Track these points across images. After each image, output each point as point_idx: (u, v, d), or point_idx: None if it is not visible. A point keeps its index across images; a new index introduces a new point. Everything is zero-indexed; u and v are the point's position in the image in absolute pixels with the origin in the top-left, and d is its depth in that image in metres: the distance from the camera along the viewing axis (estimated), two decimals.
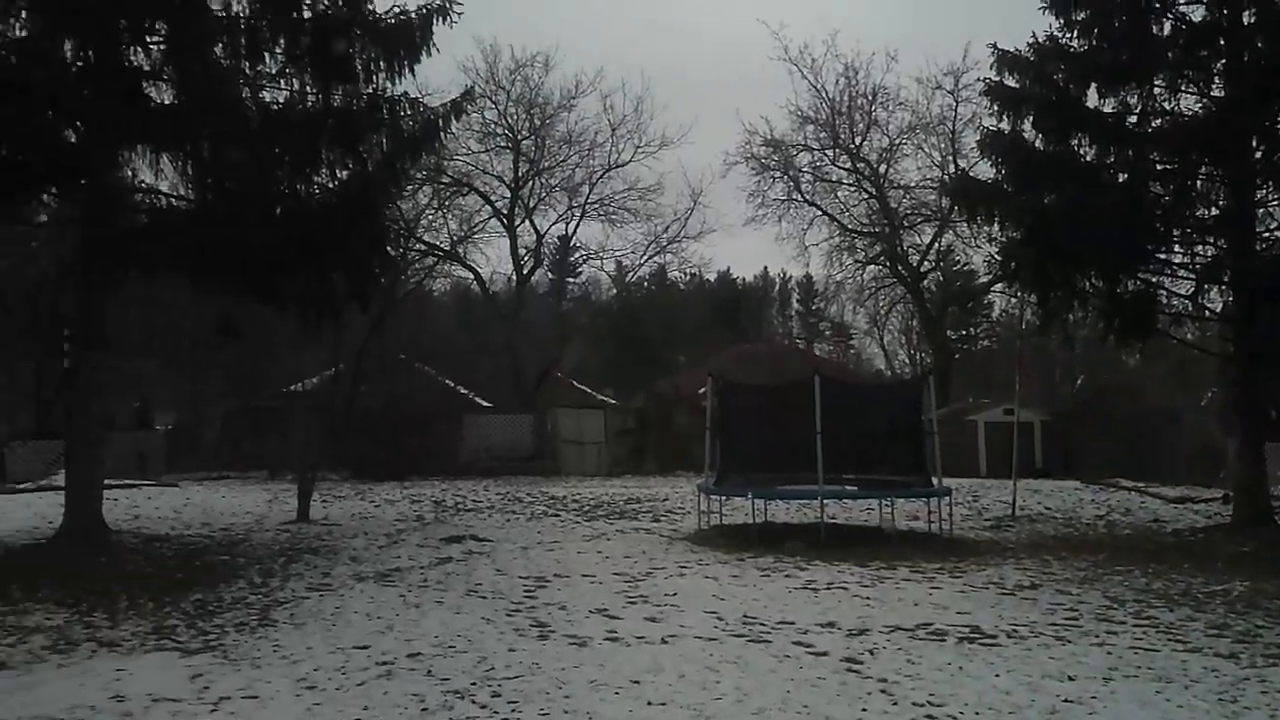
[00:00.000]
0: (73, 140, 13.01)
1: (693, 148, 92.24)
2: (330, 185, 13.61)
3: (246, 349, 26.26)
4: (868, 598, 9.50)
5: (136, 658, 7.12)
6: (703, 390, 22.68)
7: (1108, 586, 10.30)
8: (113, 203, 13.07)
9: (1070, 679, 6.61)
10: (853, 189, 38.90)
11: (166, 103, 13.06)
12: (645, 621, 8.31)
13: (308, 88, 13.33)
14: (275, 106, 13.23)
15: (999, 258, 17.71)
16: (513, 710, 5.82)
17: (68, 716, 5.70)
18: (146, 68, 12.87)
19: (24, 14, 11.70)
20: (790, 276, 77.68)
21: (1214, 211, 14.97)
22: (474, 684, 6.37)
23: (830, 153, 38.02)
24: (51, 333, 20.48)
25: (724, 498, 15.20)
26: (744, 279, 76.19)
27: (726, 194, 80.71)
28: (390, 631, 7.95)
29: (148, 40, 12.69)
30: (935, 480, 14.53)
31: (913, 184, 37.75)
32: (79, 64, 12.40)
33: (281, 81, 13.27)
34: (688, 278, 50.90)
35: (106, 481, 14.11)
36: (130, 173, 13.67)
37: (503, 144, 35.17)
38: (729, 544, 13.09)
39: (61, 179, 13.31)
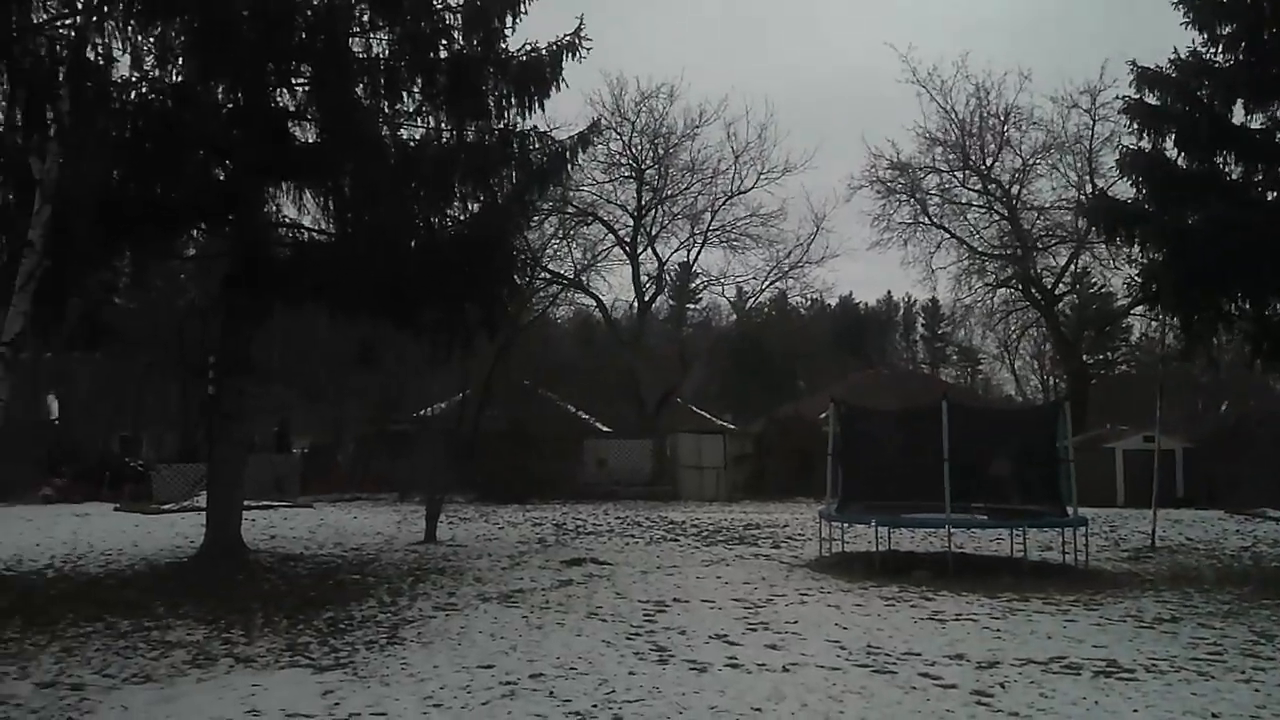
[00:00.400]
0: (221, 178, 13.78)
1: (816, 173, 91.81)
2: (462, 218, 14.01)
3: (380, 375, 27.17)
4: (998, 630, 9.17)
5: (271, 673, 7.40)
6: (824, 415, 22.37)
7: (1254, 621, 9.70)
8: (258, 237, 13.72)
9: (1214, 716, 6.25)
10: (983, 211, 37.95)
11: (310, 141, 13.73)
12: (766, 649, 8.22)
13: (442, 124, 13.77)
14: (411, 143, 13.74)
15: (1139, 280, 16.99)
16: None
17: None
18: (292, 108, 13.56)
19: (180, 59, 12.45)
20: (915, 300, 76.22)
21: None
22: (595, 706, 6.40)
23: (959, 174, 37.22)
24: (197, 360, 21.58)
25: (846, 525, 14.92)
26: (866, 304, 75.12)
27: (850, 218, 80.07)
28: (513, 652, 8.06)
29: (293, 82, 13.37)
30: (1070, 509, 13.94)
31: (1047, 205, 36.58)
32: (229, 106, 13.15)
33: (418, 119, 13.76)
34: (809, 303, 50.46)
35: (245, 502, 14.76)
36: (275, 208, 14.39)
37: (627, 174, 35.65)
38: (852, 572, 12.84)
39: (210, 215, 14.10)
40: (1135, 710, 6.38)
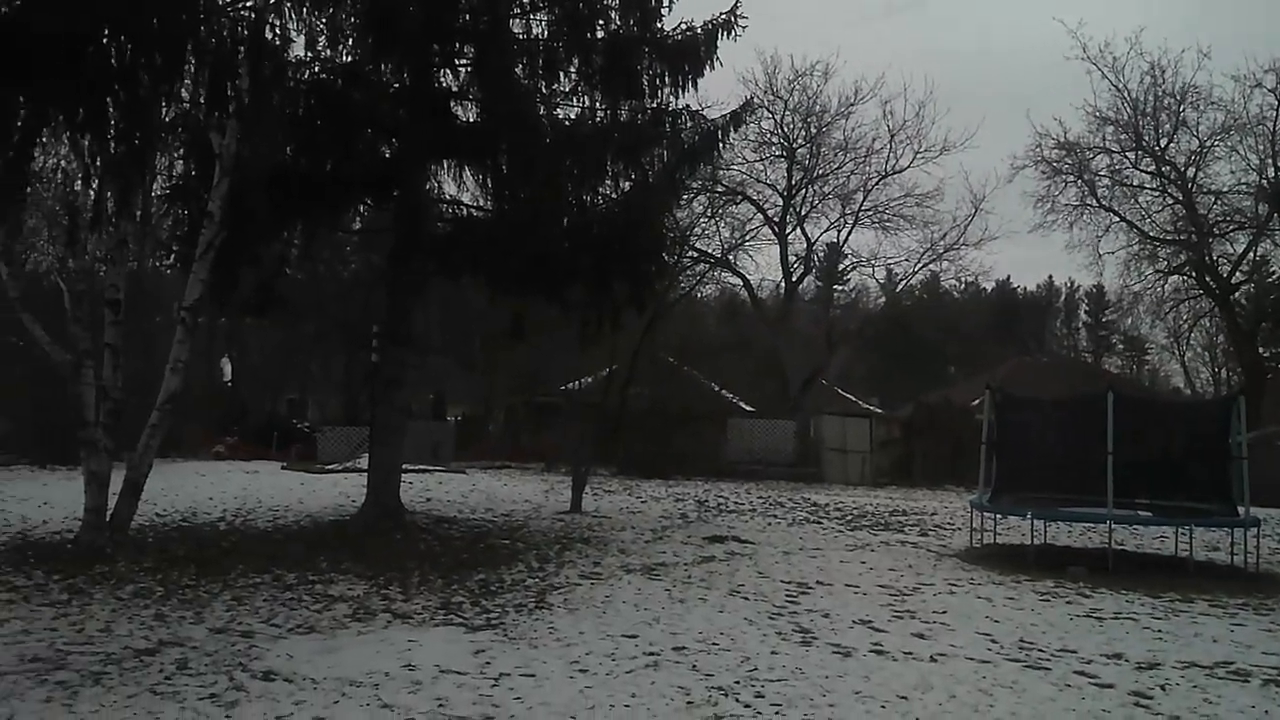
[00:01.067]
0: (387, 156, 14.34)
1: (976, 152, 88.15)
2: (613, 195, 14.20)
3: (529, 349, 27.85)
4: (1159, 630, 8.74)
5: (426, 630, 7.72)
6: (976, 402, 21.70)
7: None
8: (420, 213, 14.24)
9: None
10: (1155, 194, 35.85)
11: (470, 120, 14.13)
12: (912, 637, 8.06)
13: (597, 104, 13.98)
14: (567, 122, 14.00)
15: None
16: (776, 713, 5.82)
17: (366, 680, 6.25)
18: (454, 88, 13.99)
19: (351, 41, 13.01)
20: (1079, 286, 72.71)
21: None
22: (738, 682, 6.43)
23: (1131, 155, 35.22)
24: (361, 330, 22.55)
25: (999, 516, 14.45)
26: (1025, 288, 72.22)
27: (1011, 200, 76.91)
28: (656, 624, 8.17)
29: (456, 63, 13.79)
30: (1241, 509, 13.12)
31: (1225, 189, 34.32)
32: (395, 86, 13.66)
33: (573, 98, 13.99)
34: (963, 286, 48.99)
35: (403, 466, 15.41)
36: (436, 185, 14.90)
37: (777, 153, 35.21)
38: (1003, 564, 12.44)
39: (376, 191, 14.71)
40: None
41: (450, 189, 14.96)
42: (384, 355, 14.97)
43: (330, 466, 23.88)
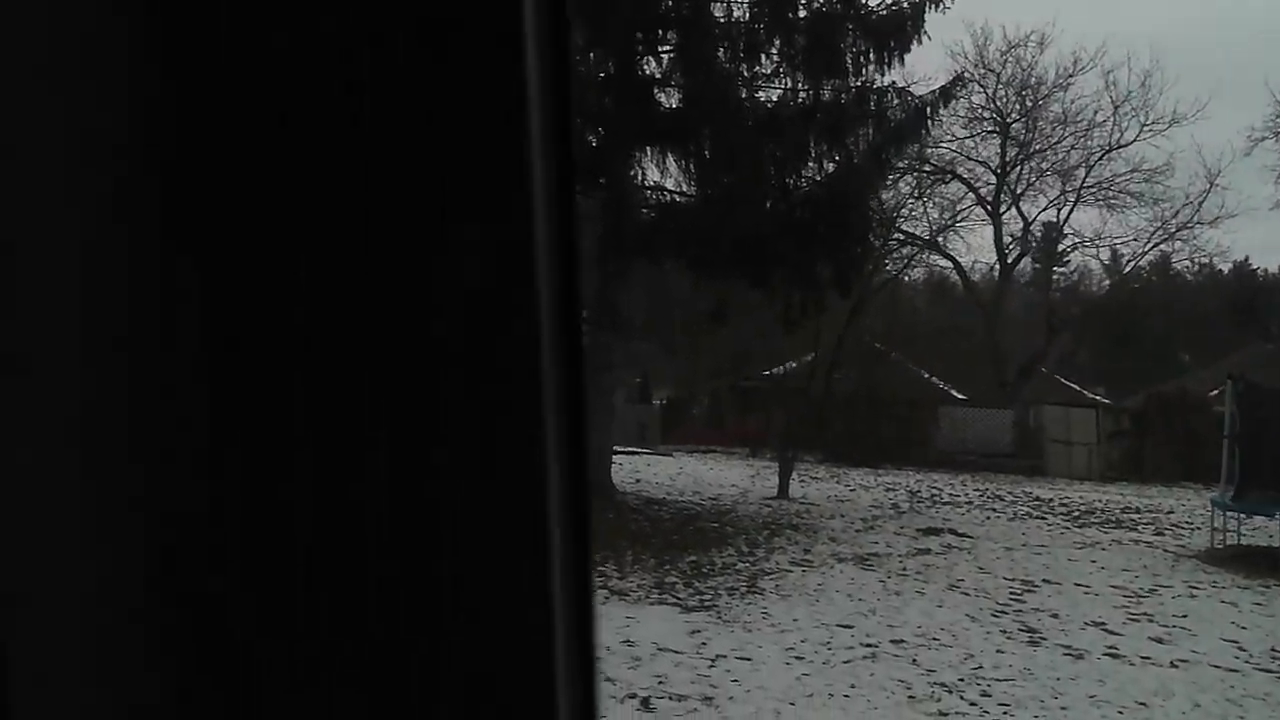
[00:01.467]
0: (594, 145, 14.68)
1: (1209, 123, 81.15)
2: (817, 177, 14.03)
3: (733, 332, 27.89)
4: None
5: (643, 608, 7.91)
6: (1215, 392, 20.07)
7: None
8: (626, 199, 14.52)
9: None
10: None
11: (673, 106, 14.28)
12: (1150, 641, 7.58)
13: (799, 84, 13.82)
14: (769, 104, 13.90)
15: None
16: (1004, 713, 5.63)
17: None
18: (657, 75, 14.15)
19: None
20: None
21: None
22: (961, 680, 6.25)
23: None
24: None
25: (1243, 515, 13.34)
26: (1267, 270, 66.05)
27: (1249, 174, 70.12)
28: (872, 615, 8.04)
29: (659, 50, 13.95)
30: None
31: None
32: (601, 74, 13.96)
33: (775, 80, 13.90)
34: (1197, 268, 45.35)
35: (613, 447, 15.80)
36: (640, 172, 15.14)
37: (989, 128, 33.75)
38: (1250, 568, 11.47)
39: (584, 180, 15.10)
40: None
41: (654, 175, 15.18)
42: (593, 340, 15.39)
43: None
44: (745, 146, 13.19)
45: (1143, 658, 7.06)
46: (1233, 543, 13.08)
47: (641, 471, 19.32)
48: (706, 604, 8.15)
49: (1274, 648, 7.51)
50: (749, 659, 6.53)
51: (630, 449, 23.34)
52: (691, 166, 14.32)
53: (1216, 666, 6.89)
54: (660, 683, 5.92)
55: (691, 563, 9.98)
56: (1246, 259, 63.16)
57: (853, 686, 6.00)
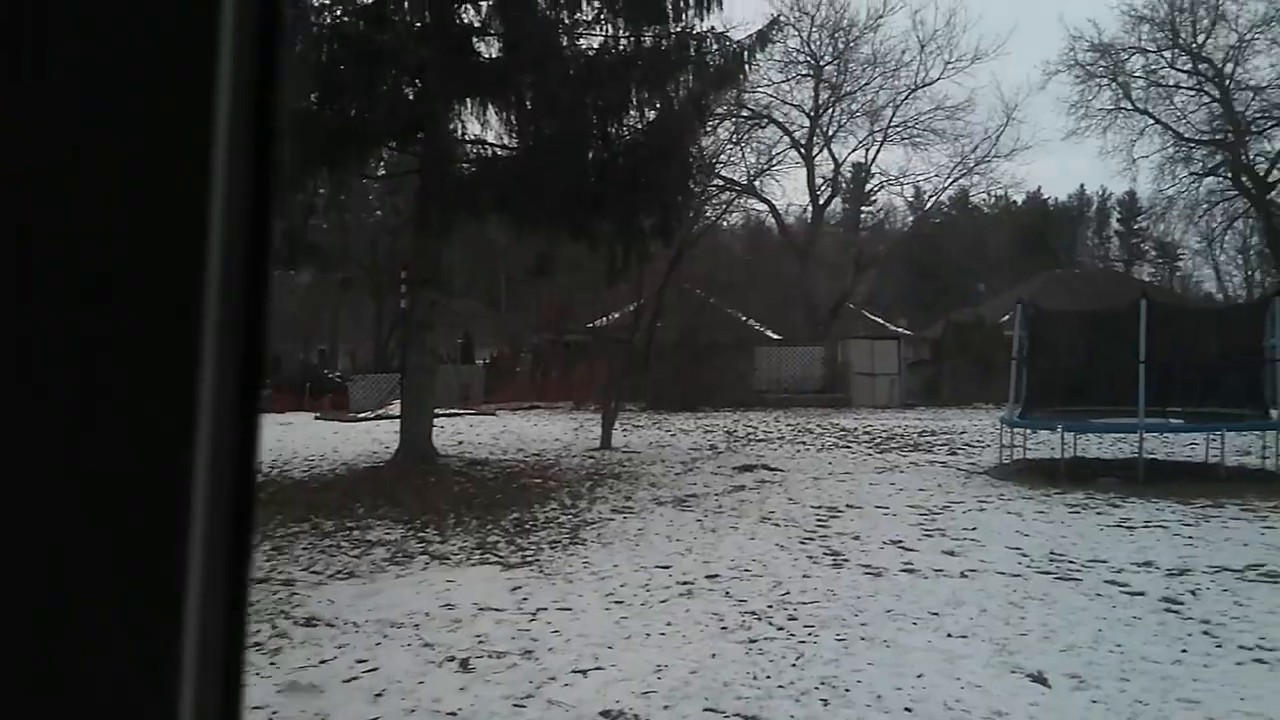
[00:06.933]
0: (411, 97, 14.20)
1: (1009, 59, 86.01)
2: (639, 125, 14.05)
3: (557, 287, 27.84)
4: (1190, 537, 8.76)
5: (464, 570, 7.87)
6: (1007, 318, 21.52)
7: None
8: (445, 154, 14.15)
9: None
10: (1192, 93, 35.10)
11: (492, 56, 13.94)
12: (943, 555, 8.14)
13: (620, 31, 13.74)
14: (590, 52, 13.79)
15: None
16: (809, 634, 5.91)
17: (407, 620, 6.40)
18: (476, 24, 13.77)
19: None
20: (1110, 194, 71.50)
21: None
22: (770, 606, 6.53)
23: (1167, 54, 34.45)
24: (390, 275, 22.63)
25: (1029, 431, 14.44)
26: (1056, 199, 71.02)
27: (1044, 107, 75.00)
28: (689, 554, 8.28)
29: None
30: (1275, 412, 13.04)
31: (1265, 84, 33.45)
32: (417, 25, 13.47)
33: (596, 27, 13.77)
34: (993, 201, 48.34)
35: (435, 410, 15.57)
36: (460, 125, 14.75)
37: (804, 72, 34.75)
38: (1033, 479, 12.47)
39: (401, 133, 14.61)
40: None
41: (474, 128, 14.86)
42: (412, 299, 15.04)
43: (363, 415, 24.15)
44: (566, 96, 13.08)
45: (935, 570, 7.56)
46: (1019, 457, 14.15)
47: (465, 433, 19.16)
48: (528, 560, 8.19)
49: (1052, 551, 8.20)
50: (569, 609, 6.61)
51: (453, 411, 23.08)
52: (512, 118, 14.06)
53: (1001, 573, 7.46)
54: (480, 642, 5.92)
55: (514, 520, 9.99)
56: (1039, 189, 67.81)
57: (669, 624, 6.17)
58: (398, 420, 15.14)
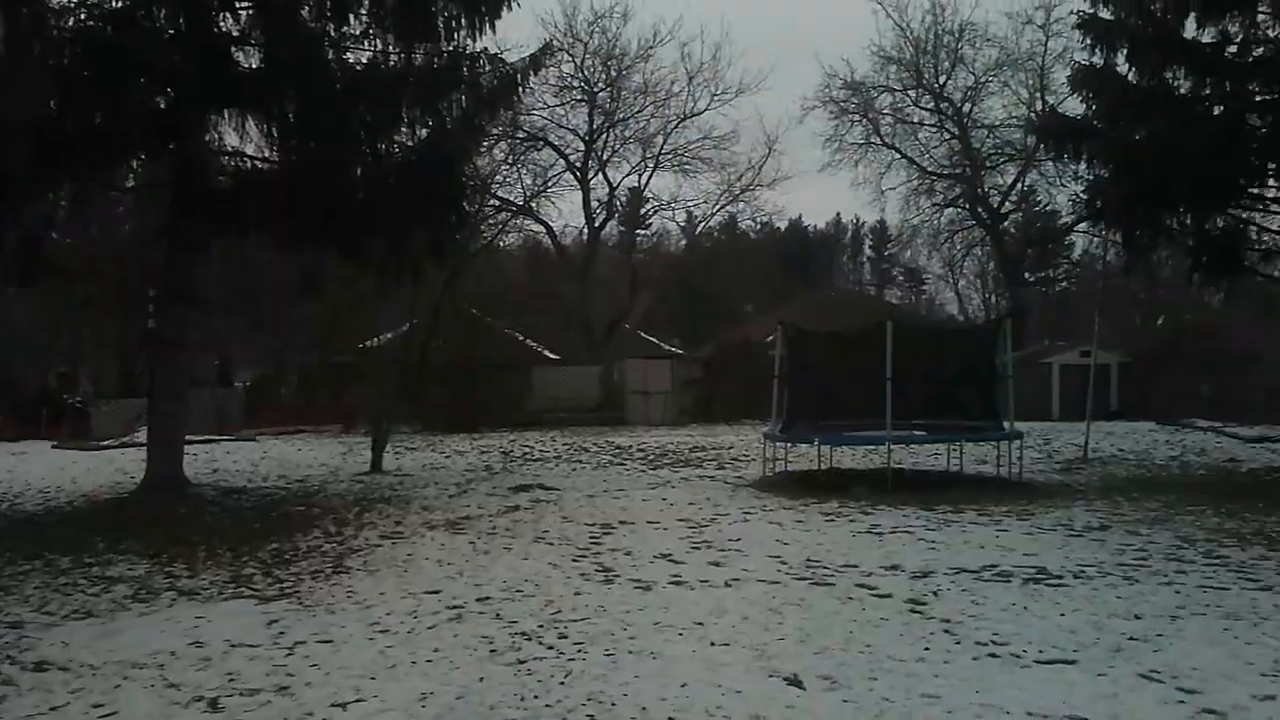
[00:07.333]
0: (162, 106, 13.31)
1: (770, 93, 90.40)
2: (410, 143, 13.81)
3: (324, 306, 26.83)
4: (933, 541, 9.44)
5: (215, 605, 7.39)
6: (771, 338, 22.54)
7: (1179, 527, 10.09)
8: (200, 166, 13.33)
9: (1136, 617, 6.52)
10: (934, 130, 38.12)
11: (253, 67, 13.28)
12: (709, 566, 8.38)
13: (390, 47, 13.45)
14: (358, 67, 13.42)
15: (1085, 196, 17.21)
16: (578, 650, 5.93)
17: (149, 661, 5.94)
18: (235, 33, 13.08)
19: None
20: (864, 222, 76.61)
21: None
22: (541, 626, 6.50)
23: (913, 93, 37.27)
24: (137, 292, 21.10)
25: (790, 445, 15.16)
26: (816, 226, 75.29)
27: (803, 140, 79.36)
28: (460, 577, 8.13)
29: (237, 5, 12.91)
30: (1006, 424, 14.31)
31: (997, 123, 36.85)
32: (170, 31, 12.66)
33: (365, 42, 13.39)
34: (759, 227, 50.64)
35: (187, 436, 14.59)
36: (217, 136, 13.96)
37: (578, 97, 35.15)
38: (794, 490, 13.09)
39: (151, 144, 13.64)
40: (1062, 614, 6.63)
41: (233, 140, 14.06)
42: (162, 317, 14.05)
43: (106, 442, 22.33)
44: (332, 110, 12.62)
45: (701, 581, 7.77)
46: (782, 470, 14.82)
47: (220, 460, 18.04)
48: (287, 591, 7.79)
49: (809, 558, 8.62)
50: (330, 640, 6.33)
51: (208, 437, 21.69)
52: (274, 131, 13.44)
53: (762, 581, 7.76)
54: (231, 680, 5.58)
55: (273, 550, 9.49)
56: (800, 217, 71.60)
57: (436, 650, 6.02)
58: (145, 447, 14.07)
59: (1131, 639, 6.01)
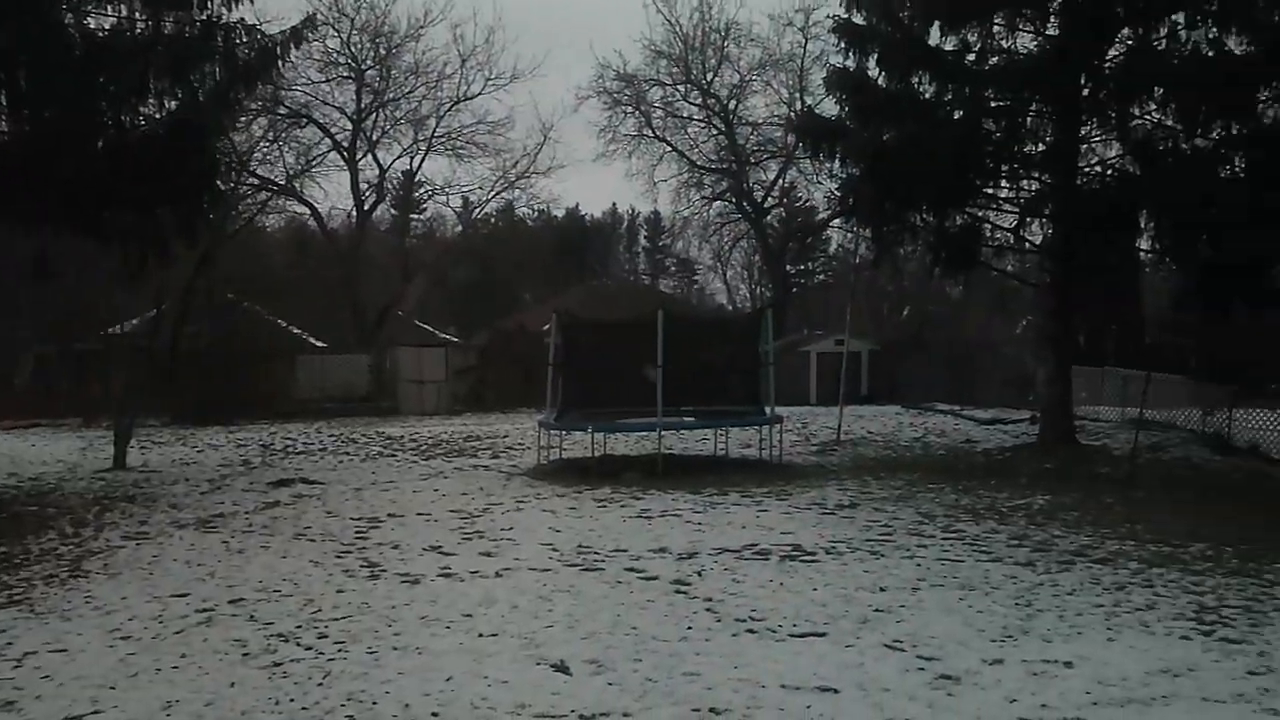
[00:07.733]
0: None
1: (545, 81, 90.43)
2: (158, 116, 13.06)
3: (62, 288, 24.58)
4: (699, 523, 9.77)
5: None
6: (547, 326, 22.61)
7: (920, 503, 10.92)
8: None
9: (882, 590, 7.00)
10: (703, 125, 39.34)
11: None
12: (480, 556, 8.30)
13: (136, 13, 12.65)
14: (101, 33, 12.54)
15: (839, 194, 18.08)
16: (339, 650, 5.72)
17: None
18: None
19: None
20: (638, 213, 78.03)
21: (1041, 148, 15.48)
22: (299, 627, 6.23)
23: (682, 88, 38.32)
24: None
25: (564, 433, 15.26)
26: (592, 215, 76.02)
27: (578, 129, 79.74)
28: (211, 578, 7.67)
29: None
30: (768, 409, 14.99)
31: (760, 121, 38.46)
32: None
33: (109, 7, 12.55)
34: (536, 214, 50.59)
35: None
36: None
37: (345, 74, 33.86)
38: (567, 478, 13.19)
39: None
40: (815, 589, 7.01)
41: None
42: None
43: None
44: (71, 78, 11.68)
45: (472, 573, 7.69)
46: (556, 458, 14.89)
47: None
48: (16, 599, 7.10)
49: (580, 544, 8.70)
50: (65, 650, 5.82)
51: None
52: (4, 99, 12.22)
53: (534, 569, 7.77)
54: None
55: (0, 555, 8.62)
56: (577, 205, 72.02)
57: (183, 656, 5.65)
58: None
59: (877, 610, 6.44)
